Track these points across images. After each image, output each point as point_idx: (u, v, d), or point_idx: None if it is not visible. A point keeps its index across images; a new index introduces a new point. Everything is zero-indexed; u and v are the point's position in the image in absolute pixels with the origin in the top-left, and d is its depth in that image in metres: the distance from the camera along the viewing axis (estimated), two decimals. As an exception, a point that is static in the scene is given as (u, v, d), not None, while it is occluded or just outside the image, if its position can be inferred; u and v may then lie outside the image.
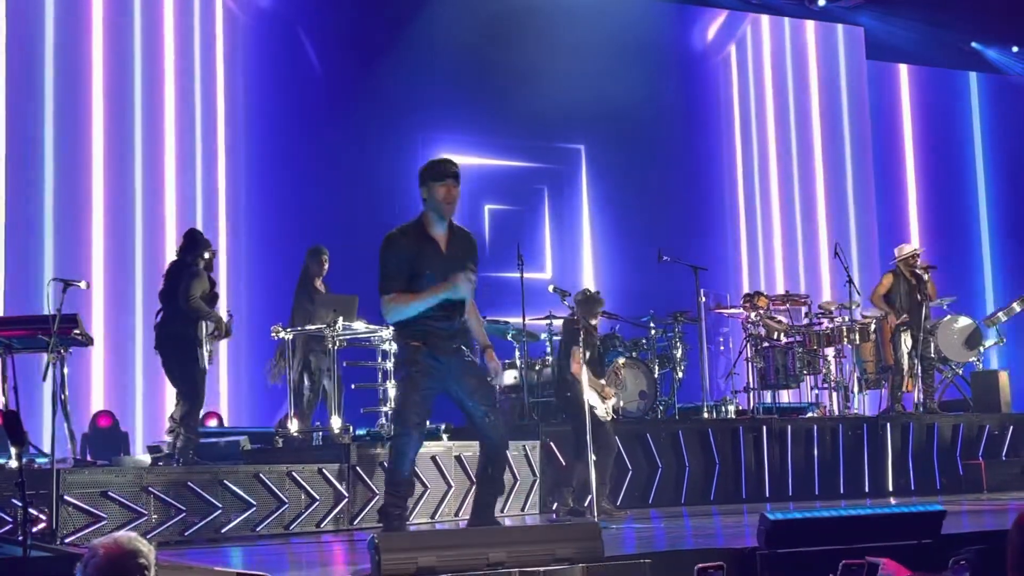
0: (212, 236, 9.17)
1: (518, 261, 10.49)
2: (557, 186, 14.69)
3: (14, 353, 7.66)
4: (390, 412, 8.61)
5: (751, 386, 11.23)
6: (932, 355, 11.30)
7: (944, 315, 11.76)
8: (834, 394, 11.48)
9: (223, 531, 7.14)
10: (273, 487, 7.41)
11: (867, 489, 10.32)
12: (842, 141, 16.46)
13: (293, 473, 7.53)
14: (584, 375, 7.69)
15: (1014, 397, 12.11)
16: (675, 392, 11.05)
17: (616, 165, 14.83)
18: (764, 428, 10.22)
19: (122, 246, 11.91)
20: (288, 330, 9.02)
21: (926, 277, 11.10)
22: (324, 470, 7.69)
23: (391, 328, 5.98)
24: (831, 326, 11.31)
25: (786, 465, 10.20)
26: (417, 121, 13.49)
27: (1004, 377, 11.86)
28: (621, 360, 9.02)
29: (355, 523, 7.75)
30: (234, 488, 7.24)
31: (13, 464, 6.35)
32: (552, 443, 9.24)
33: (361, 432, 9.05)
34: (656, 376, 10.75)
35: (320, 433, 8.74)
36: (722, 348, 13.00)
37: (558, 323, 10.52)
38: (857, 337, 11.26)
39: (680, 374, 11.20)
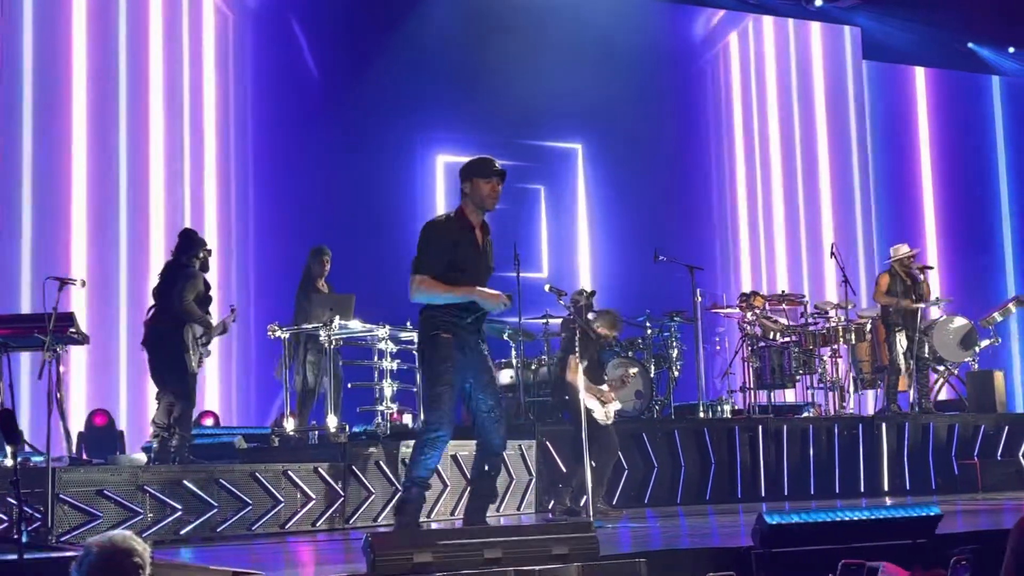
0: (201, 234, 9.11)
1: (514, 260, 10.46)
2: (553, 185, 14.69)
3: (10, 351, 7.65)
4: (387, 411, 8.62)
5: (747, 386, 11.24)
6: (927, 355, 11.32)
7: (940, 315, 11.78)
8: (830, 394, 11.50)
9: (219, 530, 7.13)
10: (269, 486, 7.39)
11: (863, 489, 10.33)
12: (840, 141, 16.42)
13: (289, 472, 7.52)
14: (580, 382, 7.69)
15: (1009, 397, 12.13)
16: (671, 392, 11.05)
17: (613, 164, 14.84)
18: (760, 428, 10.21)
19: (107, 244, 11.84)
20: (284, 328, 9.01)
21: (922, 278, 11.14)
22: (320, 469, 7.68)
23: (420, 314, 6.07)
24: (827, 326, 11.33)
25: (782, 465, 10.20)
26: (415, 121, 13.49)
27: (999, 377, 11.87)
28: (633, 370, 8.99)
29: (350, 522, 7.74)
30: (230, 487, 7.23)
31: (8, 462, 6.36)
32: (549, 443, 9.24)
33: (357, 431, 9.04)
34: (652, 376, 10.77)
35: (316, 432, 8.73)
36: (718, 348, 12.99)
37: (555, 323, 10.53)
38: (853, 337, 11.27)
39: (676, 374, 11.21)
